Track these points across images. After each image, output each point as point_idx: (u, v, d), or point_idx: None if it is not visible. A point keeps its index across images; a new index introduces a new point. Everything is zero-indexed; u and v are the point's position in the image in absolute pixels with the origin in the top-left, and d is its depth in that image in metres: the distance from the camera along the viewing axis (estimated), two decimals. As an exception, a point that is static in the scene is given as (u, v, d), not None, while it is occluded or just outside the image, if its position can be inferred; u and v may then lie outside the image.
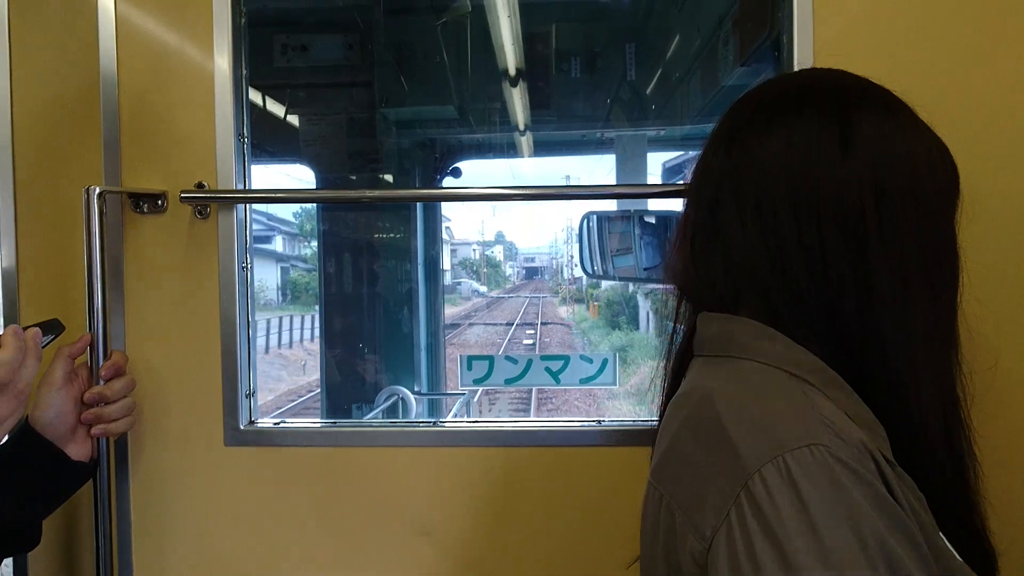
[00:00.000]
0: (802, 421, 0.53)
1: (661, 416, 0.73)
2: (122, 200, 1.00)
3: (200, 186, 0.99)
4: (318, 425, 1.04)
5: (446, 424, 1.03)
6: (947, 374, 0.63)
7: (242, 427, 1.01)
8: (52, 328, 0.91)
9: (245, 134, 1.02)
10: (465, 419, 1.03)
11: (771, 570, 0.47)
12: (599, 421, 1.01)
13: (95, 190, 0.93)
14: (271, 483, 1.02)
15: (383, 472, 1.02)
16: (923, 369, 0.60)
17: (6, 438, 0.94)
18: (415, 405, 2.44)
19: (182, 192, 0.97)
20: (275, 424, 1.03)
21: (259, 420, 1.04)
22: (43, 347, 0.88)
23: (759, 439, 0.53)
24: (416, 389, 2.59)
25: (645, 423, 0.99)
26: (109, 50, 0.99)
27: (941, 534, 0.57)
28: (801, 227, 0.60)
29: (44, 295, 1.02)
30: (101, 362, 0.94)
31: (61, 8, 1.01)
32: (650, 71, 2.54)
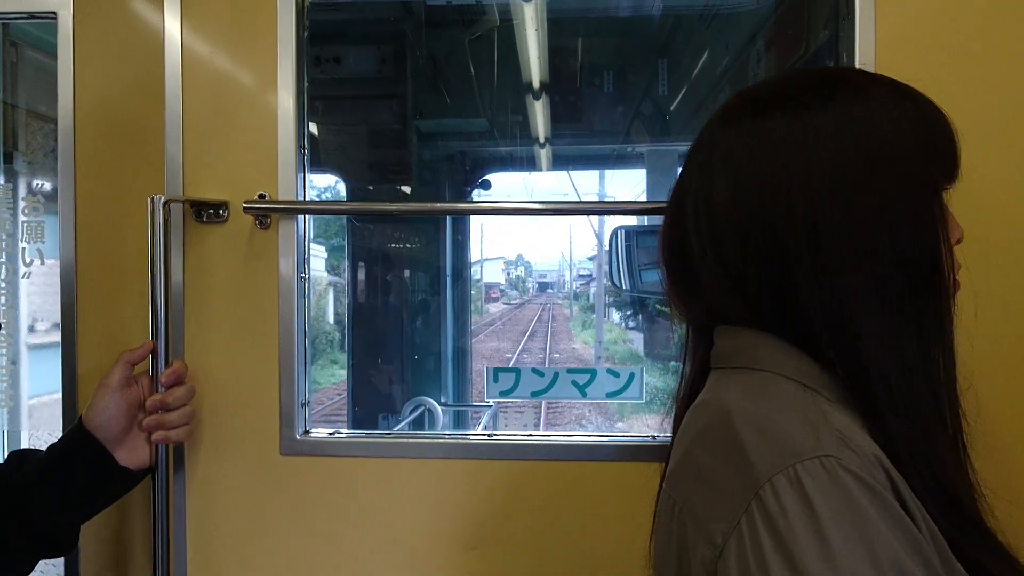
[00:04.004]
0: (814, 432, 0.53)
1: (675, 425, 0.74)
2: (184, 210, 1.01)
3: (262, 197, 1.00)
4: (372, 436, 1.04)
5: (501, 436, 1.03)
6: (925, 369, 0.59)
7: (298, 436, 1.02)
8: None
9: (305, 146, 1.04)
10: (520, 432, 1.03)
11: None
12: (654, 436, 1.00)
13: (160, 199, 0.95)
14: (325, 493, 1.02)
15: (435, 484, 1.02)
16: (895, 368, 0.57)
17: (61, 436, 0.95)
18: (441, 416, 2.44)
19: (245, 202, 0.98)
20: (330, 434, 1.03)
21: (313, 430, 1.04)
22: None
23: (771, 449, 0.53)
24: (442, 400, 2.59)
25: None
26: (174, 63, 1.01)
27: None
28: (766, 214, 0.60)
29: (102, 302, 1.03)
30: (163, 370, 0.95)
31: (126, 21, 1.03)
32: (678, 87, 2.55)
